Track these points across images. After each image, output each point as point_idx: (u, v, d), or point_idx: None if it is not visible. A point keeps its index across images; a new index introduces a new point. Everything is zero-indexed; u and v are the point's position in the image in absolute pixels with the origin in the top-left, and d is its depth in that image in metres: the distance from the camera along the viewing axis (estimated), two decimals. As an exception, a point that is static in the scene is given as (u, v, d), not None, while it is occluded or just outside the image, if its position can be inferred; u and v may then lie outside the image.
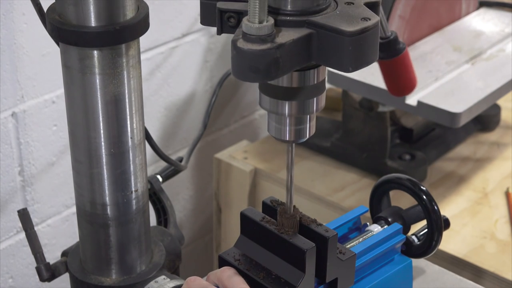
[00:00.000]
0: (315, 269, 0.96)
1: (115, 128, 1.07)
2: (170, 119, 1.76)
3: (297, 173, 1.50)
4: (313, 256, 0.95)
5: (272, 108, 0.87)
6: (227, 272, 0.96)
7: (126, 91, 1.06)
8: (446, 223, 1.16)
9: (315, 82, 0.86)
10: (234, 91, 1.89)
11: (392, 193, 1.18)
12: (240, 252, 0.99)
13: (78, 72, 1.03)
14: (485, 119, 1.76)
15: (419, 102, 1.47)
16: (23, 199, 1.52)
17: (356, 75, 1.51)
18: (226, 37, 0.86)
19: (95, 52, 1.02)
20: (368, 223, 1.14)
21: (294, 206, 0.96)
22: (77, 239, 1.19)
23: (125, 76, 1.05)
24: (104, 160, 1.08)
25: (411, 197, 1.13)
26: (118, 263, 1.15)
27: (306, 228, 0.96)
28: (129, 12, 1.02)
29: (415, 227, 1.16)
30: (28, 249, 1.26)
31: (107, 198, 1.11)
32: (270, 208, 0.99)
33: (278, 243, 0.96)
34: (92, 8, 0.99)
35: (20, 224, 1.26)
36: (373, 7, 0.83)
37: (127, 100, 1.06)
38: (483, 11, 1.79)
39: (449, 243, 1.43)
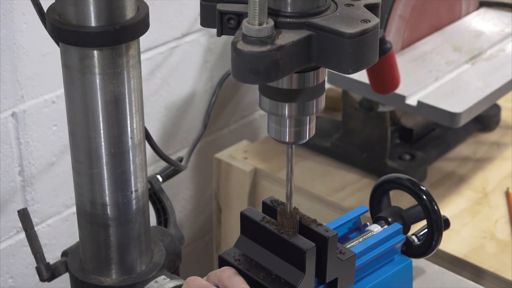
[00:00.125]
0: (315, 269, 0.96)
1: (115, 128, 1.07)
2: (170, 119, 1.76)
3: (297, 173, 1.50)
4: (313, 256, 0.95)
5: (272, 110, 0.87)
6: (227, 272, 0.96)
7: (126, 91, 1.06)
8: (446, 223, 1.16)
9: (315, 84, 0.86)
10: (234, 91, 1.89)
11: (392, 193, 1.18)
12: (240, 252, 0.99)
13: (78, 72, 1.03)
14: (485, 119, 1.76)
15: (419, 102, 1.47)
16: (23, 199, 1.52)
17: (356, 75, 1.51)
18: (226, 37, 0.86)
19: (95, 52, 1.02)
20: (368, 223, 1.14)
21: (294, 207, 0.96)
22: (77, 239, 1.19)
23: (125, 76, 1.05)
24: (104, 160, 1.08)
25: (411, 197, 1.13)
26: (118, 263, 1.15)
27: (306, 228, 0.96)
28: (129, 12, 1.02)
29: (415, 227, 1.16)
30: (28, 249, 1.26)
31: (107, 198, 1.11)
32: (270, 208, 0.99)
33: (278, 243, 0.96)
34: (92, 8, 0.99)
35: (20, 224, 1.26)
36: (372, 8, 0.83)
37: (127, 100, 1.06)
38: (483, 11, 1.79)
39: (449, 243, 1.43)
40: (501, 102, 1.77)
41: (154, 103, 1.70)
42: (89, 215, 1.13)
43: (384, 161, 1.60)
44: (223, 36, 0.85)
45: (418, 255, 1.14)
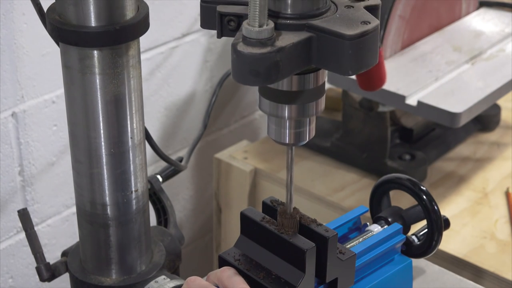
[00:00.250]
0: (315, 269, 0.96)
1: (115, 128, 1.07)
2: (170, 119, 1.76)
3: (297, 173, 1.50)
4: (313, 256, 0.95)
5: (272, 111, 0.87)
6: (227, 272, 0.96)
7: (126, 91, 1.06)
8: (446, 223, 1.16)
9: (315, 86, 0.86)
10: (234, 91, 1.89)
11: (392, 193, 1.18)
12: (240, 252, 0.99)
13: (78, 72, 1.03)
14: (485, 119, 1.76)
15: (419, 102, 1.47)
16: (23, 199, 1.52)
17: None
18: (226, 38, 0.87)
19: (95, 52, 1.02)
20: (368, 223, 1.14)
21: (294, 207, 0.96)
22: (77, 239, 1.19)
23: (125, 76, 1.05)
24: (104, 160, 1.08)
25: (411, 197, 1.13)
26: (118, 263, 1.15)
27: (306, 228, 0.96)
28: (129, 12, 1.02)
29: (415, 227, 1.16)
30: (28, 249, 1.26)
31: (107, 198, 1.11)
32: (270, 208, 0.99)
33: (278, 243, 0.96)
34: (92, 8, 0.99)
35: (20, 224, 1.26)
36: (373, 10, 0.83)
37: (127, 100, 1.06)
38: (483, 11, 1.79)
39: (449, 243, 1.43)
40: (501, 102, 1.77)
41: (154, 103, 1.70)
42: (89, 215, 1.13)
43: (384, 161, 1.60)
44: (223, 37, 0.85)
45: (418, 255, 1.14)
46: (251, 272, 0.96)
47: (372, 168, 1.62)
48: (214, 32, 0.85)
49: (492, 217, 1.52)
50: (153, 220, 1.26)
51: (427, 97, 1.48)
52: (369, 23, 0.80)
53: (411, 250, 1.14)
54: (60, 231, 1.62)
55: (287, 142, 0.90)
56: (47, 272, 1.18)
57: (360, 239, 1.09)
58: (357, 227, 1.14)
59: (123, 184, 1.10)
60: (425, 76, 1.54)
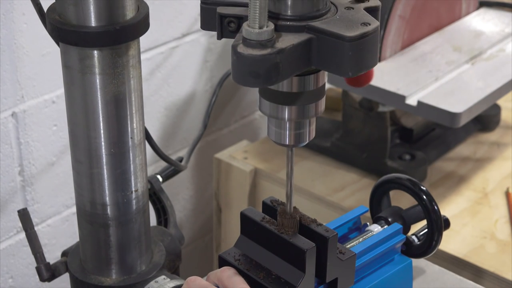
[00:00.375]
0: (315, 269, 0.96)
1: (115, 128, 1.07)
2: (170, 119, 1.76)
3: (297, 173, 1.50)
4: (313, 256, 0.95)
5: (272, 113, 0.87)
6: (227, 272, 0.96)
7: (126, 91, 1.06)
8: (446, 223, 1.16)
9: (315, 87, 0.86)
10: (234, 91, 1.89)
11: (392, 193, 1.18)
12: (240, 252, 0.99)
13: (78, 72, 1.03)
14: (485, 119, 1.76)
15: (419, 102, 1.47)
16: (23, 199, 1.52)
17: (356, 75, 1.51)
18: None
19: (95, 52, 1.02)
20: (368, 223, 1.14)
21: (294, 207, 0.96)
22: (77, 239, 1.19)
23: (125, 76, 1.05)
24: (104, 160, 1.08)
25: (411, 197, 1.13)
26: (118, 263, 1.15)
27: (306, 228, 0.96)
28: (129, 12, 1.02)
29: (415, 227, 1.16)
30: (28, 249, 1.26)
31: (107, 198, 1.11)
32: (270, 208, 0.99)
33: (278, 243, 0.96)
34: (92, 8, 0.99)
35: (20, 224, 1.26)
36: (372, 11, 0.83)
37: (127, 100, 1.06)
38: (483, 11, 1.79)
39: (449, 243, 1.43)
40: (501, 102, 1.76)
41: (154, 103, 1.70)
42: (89, 215, 1.13)
43: (384, 161, 1.60)
44: (223, 37, 0.85)
45: (418, 255, 1.14)
46: (251, 272, 0.96)
47: (372, 168, 1.62)
48: (214, 32, 0.85)
49: (492, 217, 1.52)
50: (153, 220, 1.26)
51: (427, 97, 1.48)
52: (369, 24, 0.80)
53: (411, 250, 1.14)
54: (60, 231, 1.62)
55: (287, 143, 0.90)
56: (47, 272, 1.18)
57: (360, 239, 1.09)
58: (357, 227, 1.14)
59: (123, 184, 1.10)
60: (425, 76, 1.54)
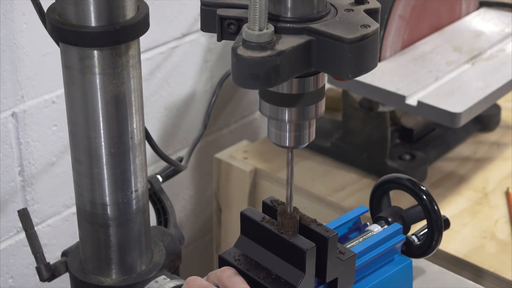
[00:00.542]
0: (315, 269, 0.96)
1: (115, 128, 1.07)
2: (170, 119, 1.76)
3: (297, 173, 1.50)
4: (313, 256, 0.95)
5: (272, 115, 0.88)
6: (227, 272, 0.96)
7: (126, 91, 1.06)
8: (446, 223, 1.16)
9: (315, 89, 0.86)
10: (234, 91, 1.89)
11: (392, 193, 1.18)
12: (240, 252, 0.99)
13: (78, 72, 1.03)
14: (485, 119, 1.76)
15: (419, 102, 1.47)
16: (23, 199, 1.52)
17: (356, 75, 1.51)
18: (226, 37, 0.87)
19: (95, 52, 1.02)
20: (368, 223, 1.14)
21: (294, 207, 0.96)
22: (77, 239, 1.19)
23: (125, 76, 1.05)
24: (104, 160, 1.08)
25: (411, 197, 1.13)
26: (118, 263, 1.15)
27: (306, 228, 0.96)
28: (129, 12, 1.02)
29: (415, 227, 1.16)
30: (28, 249, 1.26)
31: (107, 198, 1.11)
32: (270, 208, 0.99)
33: (278, 243, 0.96)
34: (92, 8, 0.99)
35: (20, 224, 1.26)
36: (372, 13, 0.83)
37: (127, 100, 1.06)
38: (483, 11, 1.79)
39: (449, 243, 1.43)
40: (501, 102, 1.76)
41: (154, 103, 1.70)
42: (89, 215, 1.13)
43: (384, 161, 1.60)
44: (224, 37, 0.85)
45: (418, 255, 1.14)
46: (251, 272, 0.96)
47: (372, 168, 1.62)
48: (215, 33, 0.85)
49: (492, 217, 1.52)
50: (153, 220, 1.26)
51: (427, 97, 1.48)
52: (369, 26, 0.80)
53: (411, 250, 1.14)
54: (60, 231, 1.62)
55: (287, 145, 0.90)
56: (47, 272, 1.18)
57: (360, 239, 1.09)
58: (357, 227, 1.14)
59: (123, 184, 1.10)
60: (425, 76, 1.54)
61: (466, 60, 1.61)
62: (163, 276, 1.16)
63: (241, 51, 0.77)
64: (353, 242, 1.08)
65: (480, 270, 1.39)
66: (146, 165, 1.14)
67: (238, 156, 1.70)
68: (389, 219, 1.13)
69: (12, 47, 1.40)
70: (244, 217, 0.99)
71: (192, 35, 1.72)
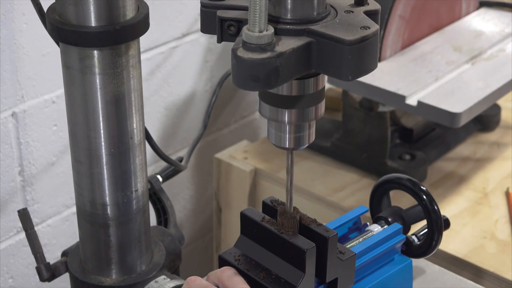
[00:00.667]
0: (315, 269, 0.96)
1: (115, 128, 1.07)
2: (170, 119, 1.76)
3: (297, 173, 1.50)
4: (313, 256, 0.95)
5: (272, 116, 0.88)
6: (227, 272, 0.96)
7: (126, 91, 1.06)
8: (446, 223, 1.16)
9: (315, 90, 0.86)
10: (234, 91, 1.89)
11: (392, 193, 1.18)
12: (240, 252, 0.99)
13: (78, 72, 1.03)
14: (485, 119, 1.76)
15: (419, 102, 1.47)
16: (23, 199, 1.52)
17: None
18: (227, 37, 0.87)
19: (95, 52, 1.02)
20: (368, 223, 1.14)
21: (294, 207, 0.96)
22: (77, 239, 1.19)
23: (125, 76, 1.05)
24: (104, 160, 1.08)
25: (411, 197, 1.13)
26: (118, 263, 1.15)
27: (306, 228, 0.96)
28: (129, 12, 1.02)
29: (415, 227, 1.16)
30: (28, 249, 1.26)
31: (107, 198, 1.11)
32: (270, 208, 0.99)
33: (278, 243, 0.96)
34: (92, 8, 0.99)
35: (20, 224, 1.26)
36: (372, 15, 0.83)
37: (127, 100, 1.06)
38: (483, 11, 1.79)
39: (449, 243, 1.43)
40: (501, 102, 1.76)
41: (154, 103, 1.70)
42: (89, 215, 1.13)
43: (384, 161, 1.60)
44: (224, 36, 0.85)
45: (418, 255, 1.14)
46: (251, 272, 0.97)
47: (372, 168, 1.62)
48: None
49: (492, 217, 1.52)
50: (153, 220, 1.26)
51: (427, 97, 1.48)
52: (369, 28, 0.80)
53: (411, 250, 1.14)
54: (60, 231, 1.62)
55: (287, 146, 0.90)
56: (47, 272, 1.18)
57: (360, 239, 1.09)
58: (357, 227, 1.14)
59: (123, 184, 1.10)
60: (425, 76, 1.54)
61: (466, 60, 1.61)
62: (163, 276, 1.16)
63: (241, 52, 0.77)
64: (353, 242, 1.08)
65: (480, 270, 1.39)
66: (146, 165, 1.14)
67: (238, 156, 1.70)
68: (389, 219, 1.13)
69: (12, 47, 1.40)
70: (244, 217, 0.99)
71: (192, 35, 1.72)
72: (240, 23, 0.82)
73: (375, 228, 1.12)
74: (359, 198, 1.56)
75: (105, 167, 1.09)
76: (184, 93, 1.77)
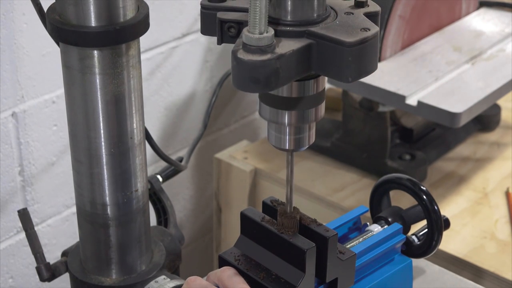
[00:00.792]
0: (315, 269, 0.96)
1: (115, 128, 1.07)
2: (170, 119, 1.76)
3: (297, 173, 1.50)
4: (313, 256, 0.95)
5: (272, 118, 0.88)
6: (227, 272, 0.96)
7: (126, 91, 1.06)
8: (446, 223, 1.16)
9: (315, 92, 0.86)
10: (234, 91, 1.89)
11: (392, 193, 1.18)
12: (240, 252, 0.99)
13: (78, 72, 1.03)
14: (485, 119, 1.76)
15: (419, 102, 1.47)
16: (23, 199, 1.52)
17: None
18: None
19: (95, 52, 1.02)
20: (368, 223, 1.14)
21: (294, 206, 0.96)
22: (77, 239, 1.19)
23: (125, 76, 1.05)
24: (104, 160, 1.08)
25: (411, 197, 1.13)
26: (118, 263, 1.15)
27: (306, 228, 0.96)
28: (129, 12, 1.02)
29: (415, 227, 1.16)
30: (28, 249, 1.26)
31: (107, 198, 1.11)
32: (270, 208, 0.99)
33: (278, 243, 0.96)
34: (92, 8, 0.99)
35: (20, 224, 1.26)
36: (372, 17, 0.83)
37: (127, 100, 1.06)
38: (483, 11, 1.79)
39: (449, 243, 1.43)
40: (501, 102, 1.76)
41: (154, 103, 1.70)
42: (89, 215, 1.13)
43: (384, 161, 1.60)
44: (224, 37, 0.85)
45: (418, 255, 1.14)
46: (251, 272, 0.97)
47: (372, 168, 1.62)
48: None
49: (492, 217, 1.52)
50: (153, 220, 1.26)
51: (427, 97, 1.48)
52: (369, 30, 0.80)
53: (411, 250, 1.14)
54: (60, 231, 1.62)
55: (287, 148, 0.90)
56: (47, 272, 1.18)
57: (360, 239, 1.09)
58: (357, 227, 1.14)
59: (123, 184, 1.10)
60: (425, 76, 1.54)
61: (466, 60, 1.61)
62: (163, 276, 1.16)
63: (241, 54, 0.77)
64: (353, 242, 1.08)
65: (480, 270, 1.39)
66: (146, 165, 1.14)
67: (238, 156, 1.70)
68: (389, 219, 1.13)
69: (12, 47, 1.40)
70: (244, 217, 0.99)
71: (192, 35, 1.72)
72: (240, 25, 0.82)
73: (375, 228, 1.12)
74: (359, 198, 1.56)
75: (105, 167, 1.09)
76: (184, 93, 1.77)
